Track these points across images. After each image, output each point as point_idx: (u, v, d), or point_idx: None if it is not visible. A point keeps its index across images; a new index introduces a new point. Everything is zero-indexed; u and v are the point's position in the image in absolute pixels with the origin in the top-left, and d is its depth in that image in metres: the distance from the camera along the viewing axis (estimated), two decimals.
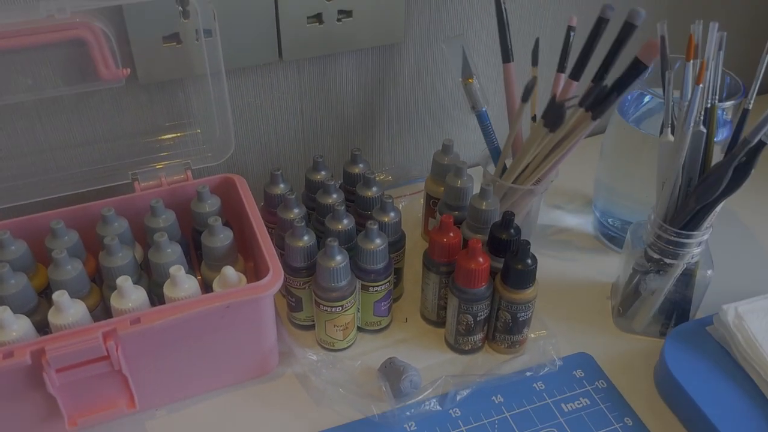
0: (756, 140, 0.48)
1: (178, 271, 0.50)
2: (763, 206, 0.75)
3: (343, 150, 0.73)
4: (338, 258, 0.53)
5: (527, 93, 0.58)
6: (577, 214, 0.74)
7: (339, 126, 0.71)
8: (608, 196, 0.70)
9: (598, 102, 0.55)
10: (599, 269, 0.67)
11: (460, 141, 0.66)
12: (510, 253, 0.54)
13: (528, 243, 0.53)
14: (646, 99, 0.64)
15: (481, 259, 0.54)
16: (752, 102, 0.52)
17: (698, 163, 0.53)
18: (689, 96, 0.49)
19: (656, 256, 0.57)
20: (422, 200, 0.68)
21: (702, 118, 0.52)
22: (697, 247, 0.55)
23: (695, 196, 0.52)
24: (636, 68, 0.54)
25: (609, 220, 0.70)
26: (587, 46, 0.58)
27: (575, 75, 0.59)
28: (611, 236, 0.70)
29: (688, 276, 0.57)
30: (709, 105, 0.52)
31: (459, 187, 0.60)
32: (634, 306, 0.60)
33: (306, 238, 0.55)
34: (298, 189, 0.63)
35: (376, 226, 0.54)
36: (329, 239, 0.53)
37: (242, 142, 0.67)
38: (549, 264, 0.68)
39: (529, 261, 0.54)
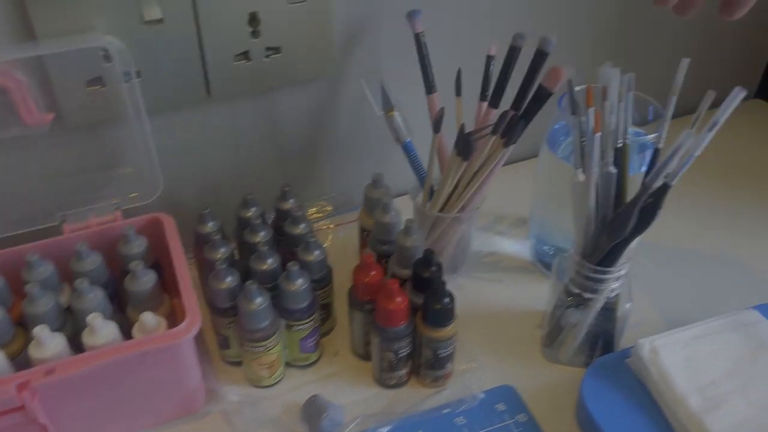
0: (657, 184, 0.49)
1: (95, 319, 0.51)
2: (698, 233, 0.76)
3: (281, 182, 0.73)
4: (258, 300, 0.54)
5: (437, 125, 0.59)
6: (515, 239, 0.75)
7: (276, 159, 0.72)
8: (542, 224, 0.70)
9: (509, 129, 0.56)
10: (535, 296, 0.68)
11: (398, 170, 0.67)
12: (428, 292, 0.55)
13: (444, 282, 0.54)
14: None
15: (399, 299, 0.54)
16: (663, 141, 0.52)
17: (611, 200, 0.54)
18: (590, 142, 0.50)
19: (576, 290, 0.57)
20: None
21: (613, 158, 0.52)
22: (615, 281, 0.56)
23: (606, 235, 0.53)
24: (541, 95, 0.55)
25: (544, 247, 0.71)
26: (502, 74, 0.60)
27: (494, 103, 0.61)
28: (547, 263, 0.71)
29: (609, 310, 0.58)
30: (620, 145, 0.53)
31: (386, 223, 0.61)
32: (561, 337, 0.61)
33: (229, 279, 0.56)
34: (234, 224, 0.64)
35: (296, 267, 0.55)
36: (248, 282, 0.54)
37: (177, 179, 0.67)
38: (484, 291, 0.68)
39: (447, 300, 0.55)
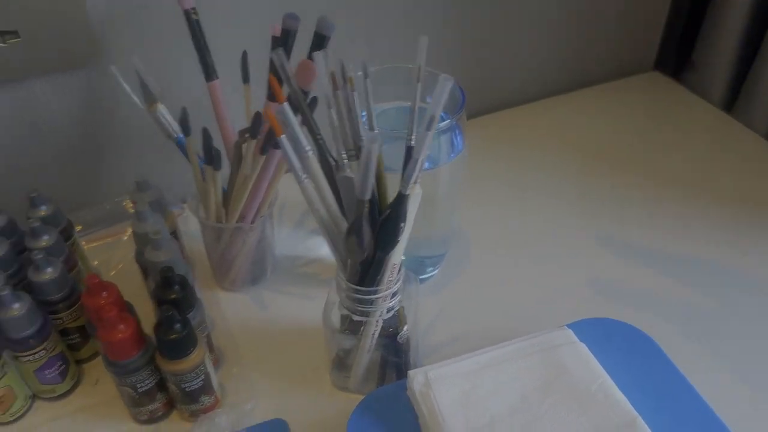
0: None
1: None
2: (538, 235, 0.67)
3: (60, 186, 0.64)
4: None
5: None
6: None
7: (51, 160, 0.63)
8: None
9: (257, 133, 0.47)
10: None
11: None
12: (158, 320, 0.47)
13: (170, 308, 0.46)
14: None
15: (121, 326, 0.46)
16: (413, 139, 0.43)
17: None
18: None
19: (345, 312, 0.49)
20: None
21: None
22: (385, 302, 0.47)
23: (349, 253, 0.44)
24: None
25: None
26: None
27: (272, 95, 0.52)
28: None
29: (390, 336, 0.50)
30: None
31: (141, 234, 0.53)
32: (348, 363, 0.53)
33: None
34: None
35: (6, 292, 0.47)
36: None
37: None
38: (287, 306, 0.60)
39: (179, 326, 0.46)
